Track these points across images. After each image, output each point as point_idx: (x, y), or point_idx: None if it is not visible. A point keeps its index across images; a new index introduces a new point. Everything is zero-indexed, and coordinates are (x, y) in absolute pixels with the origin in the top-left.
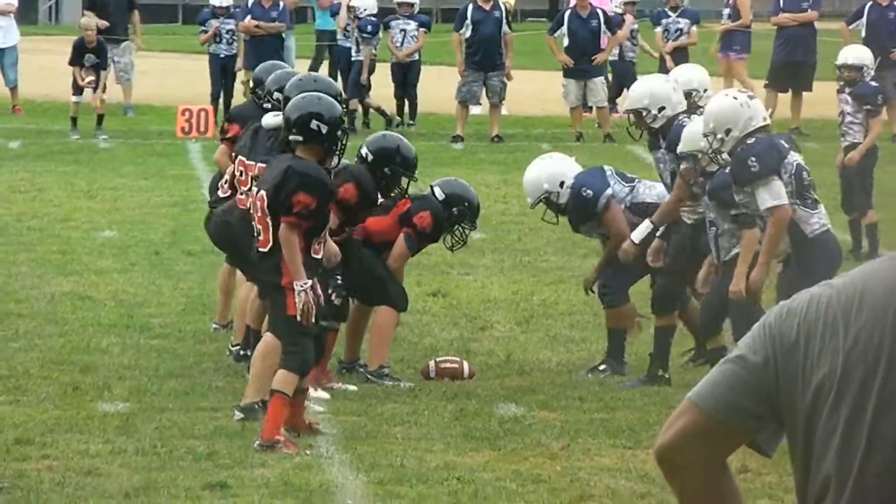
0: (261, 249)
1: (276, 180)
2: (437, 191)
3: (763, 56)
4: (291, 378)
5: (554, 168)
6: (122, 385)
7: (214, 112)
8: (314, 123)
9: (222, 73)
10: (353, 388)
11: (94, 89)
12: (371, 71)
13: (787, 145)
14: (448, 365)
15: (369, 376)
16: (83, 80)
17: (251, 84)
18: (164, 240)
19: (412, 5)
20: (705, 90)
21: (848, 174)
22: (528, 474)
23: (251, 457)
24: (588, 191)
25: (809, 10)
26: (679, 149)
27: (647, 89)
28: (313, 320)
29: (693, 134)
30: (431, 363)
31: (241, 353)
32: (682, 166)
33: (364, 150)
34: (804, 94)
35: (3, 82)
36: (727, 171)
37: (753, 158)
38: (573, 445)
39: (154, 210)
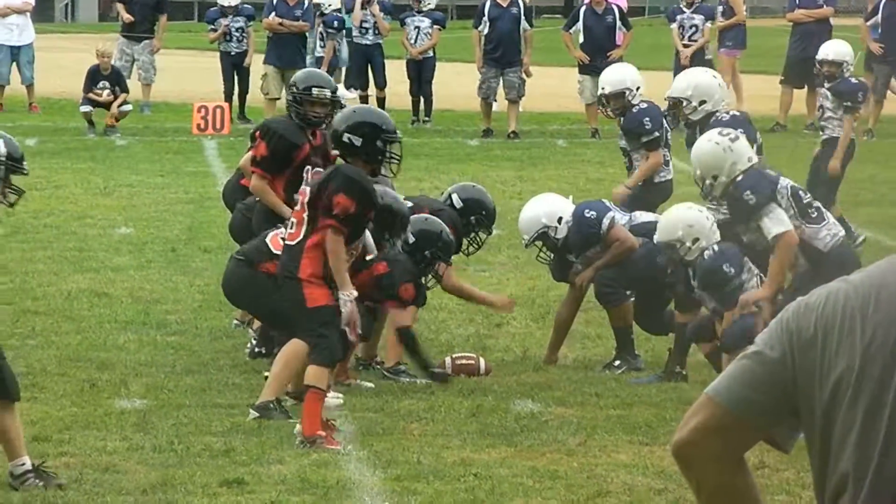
0: (288, 242)
1: (321, 179)
2: (455, 198)
3: (777, 52)
4: (322, 371)
5: (552, 205)
6: (139, 382)
7: (229, 109)
8: (346, 137)
9: (233, 70)
10: (369, 385)
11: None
12: (333, 66)
13: (774, 172)
14: (464, 361)
15: (386, 373)
16: (98, 96)
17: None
18: (181, 236)
19: (428, 2)
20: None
21: (818, 168)
22: (545, 471)
23: (268, 453)
24: (591, 212)
25: (825, 6)
26: (655, 238)
27: (693, 80)
28: (359, 331)
29: (668, 224)
30: (448, 359)
31: (257, 350)
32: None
33: (455, 197)
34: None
35: (20, 80)
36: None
37: (748, 192)
38: (590, 442)
39: (170, 207)
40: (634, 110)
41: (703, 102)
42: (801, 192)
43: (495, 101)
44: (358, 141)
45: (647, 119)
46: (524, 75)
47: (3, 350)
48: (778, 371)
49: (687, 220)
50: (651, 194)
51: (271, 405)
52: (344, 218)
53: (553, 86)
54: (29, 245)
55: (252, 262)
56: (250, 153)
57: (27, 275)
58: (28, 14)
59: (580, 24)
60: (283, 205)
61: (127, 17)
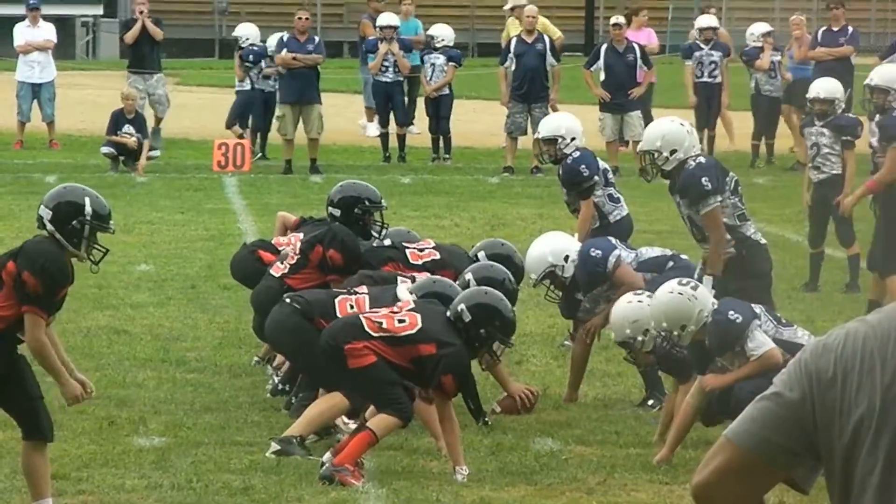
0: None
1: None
2: (482, 256)
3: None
4: (392, 424)
5: (558, 244)
6: (158, 419)
7: (250, 146)
8: (328, 210)
9: (264, 108)
10: None
11: (136, 157)
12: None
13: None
14: (509, 401)
15: None
16: (124, 139)
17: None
18: (200, 273)
19: (441, 38)
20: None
21: (824, 209)
22: None
23: (287, 491)
24: (597, 251)
25: (846, 45)
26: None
27: (661, 131)
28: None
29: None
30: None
31: (280, 387)
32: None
33: (482, 255)
34: None
35: (41, 117)
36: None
37: (732, 312)
38: (609, 480)
39: (190, 244)
40: (569, 160)
41: (673, 151)
42: (774, 313)
43: (525, 134)
44: (338, 213)
45: (584, 166)
46: (551, 111)
47: (40, 390)
48: (798, 412)
49: (664, 130)
50: (612, 233)
51: (294, 440)
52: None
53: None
54: None
55: (309, 316)
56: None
57: None
58: (49, 51)
59: (601, 62)
60: None
61: (155, 30)
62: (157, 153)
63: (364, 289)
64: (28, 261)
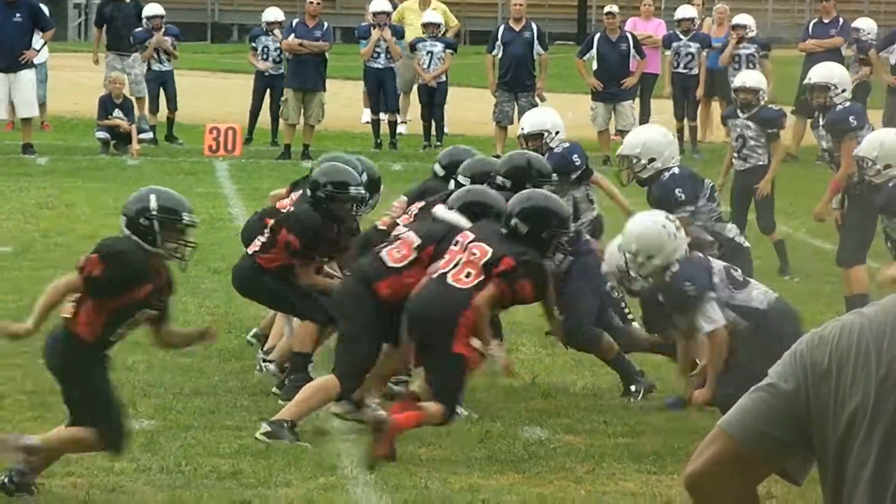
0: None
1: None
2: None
3: (790, 82)
4: (440, 414)
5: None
6: (147, 403)
7: (241, 131)
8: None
9: (265, 91)
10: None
11: (128, 140)
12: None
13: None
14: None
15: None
16: (116, 121)
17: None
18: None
19: (438, 25)
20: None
21: (746, 197)
22: (553, 498)
23: (276, 476)
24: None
25: (836, 37)
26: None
27: (643, 138)
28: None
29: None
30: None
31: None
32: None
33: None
34: None
35: None
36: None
37: (687, 283)
38: (598, 470)
39: None
40: (557, 150)
41: (652, 160)
42: (732, 271)
43: (512, 123)
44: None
45: (575, 156)
46: (537, 99)
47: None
48: (792, 404)
49: (646, 137)
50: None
51: (285, 424)
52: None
53: (565, 112)
54: (39, 264)
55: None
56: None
57: (37, 293)
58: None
59: (594, 52)
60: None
61: (168, 49)
62: (149, 135)
63: (403, 229)
64: (100, 252)
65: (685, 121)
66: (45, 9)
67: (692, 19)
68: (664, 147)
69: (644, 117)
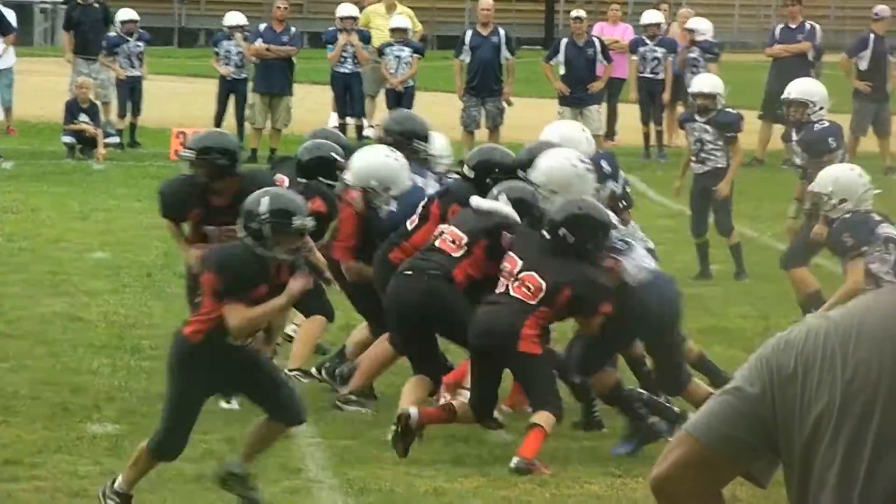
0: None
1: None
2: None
3: (756, 87)
4: (552, 419)
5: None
6: (112, 406)
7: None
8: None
9: (227, 96)
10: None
11: (94, 145)
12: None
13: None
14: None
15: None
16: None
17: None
18: (157, 262)
19: (405, 31)
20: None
21: (705, 199)
22: (518, 501)
23: None
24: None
25: (803, 42)
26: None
27: (832, 176)
28: None
29: None
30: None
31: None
32: None
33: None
34: None
35: None
36: None
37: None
38: (563, 473)
39: (146, 232)
40: (817, 126)
41: (843, 201)
42: (623, 238)
43: (478, 128)
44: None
45: (832, 138)
46: (504, 104)
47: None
48: (757, 407)
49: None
50: None
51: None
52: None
53: (532, 117)
54: (3, 268)
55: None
56: None
57: (1, 297)
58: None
59: (561, 56)
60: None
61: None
62: (115, 139)
63: (446, 226)
64: (209, 264)
65: (651, 125)
66: (9, 13)
67: (658, 24)
68: (858, 188)
69: (611, 121)
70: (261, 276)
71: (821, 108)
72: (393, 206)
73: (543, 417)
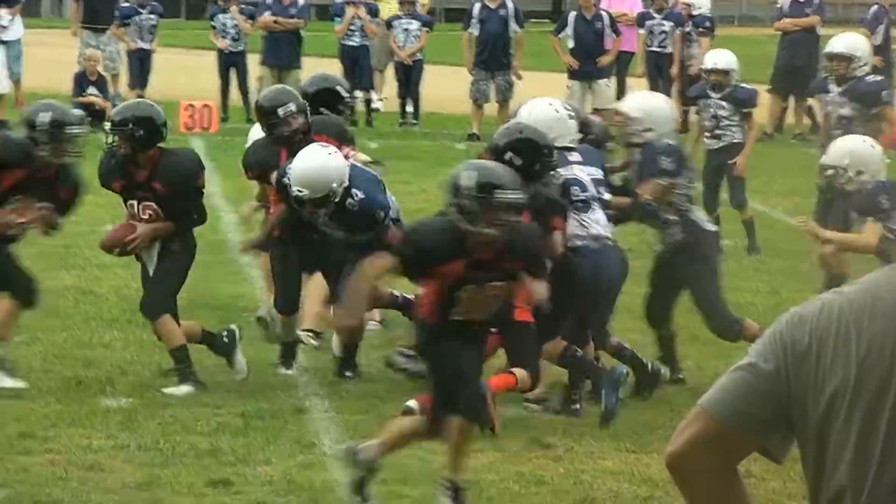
0: None
1: None
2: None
3: (765, 61)
4: (527, 383)
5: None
6: (125, 380)
7: (216, 108)
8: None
9: (228, 69)
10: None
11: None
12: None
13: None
14: None
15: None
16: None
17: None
18: None
19: (414, 3)
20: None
21: (719, 174)
22: (532, 476)
23: (254, 454)
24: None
25: (812, 15)
26: None
27: (847, 148)
28: None
29: None
30: None
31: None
32: None
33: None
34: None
35: (7, 75)
36: None
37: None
38: (577, 448)
39: None
40: (866, 80)
41: (860, 173)
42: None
43: (488, 101)
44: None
45: (885, 91)
46: (514, 77)
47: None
48: (772, 383)
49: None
50: None
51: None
52: None
53: (541, 91)
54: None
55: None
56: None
57: None
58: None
59: (570, 30)
60: None
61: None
62: None
63: None
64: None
65: None
66: None
67: None
68: (875, 159)
69: (620, 95)
70: (448, 250)
71: (864, 64)
72: (361, 194)
73: (521, 374)
